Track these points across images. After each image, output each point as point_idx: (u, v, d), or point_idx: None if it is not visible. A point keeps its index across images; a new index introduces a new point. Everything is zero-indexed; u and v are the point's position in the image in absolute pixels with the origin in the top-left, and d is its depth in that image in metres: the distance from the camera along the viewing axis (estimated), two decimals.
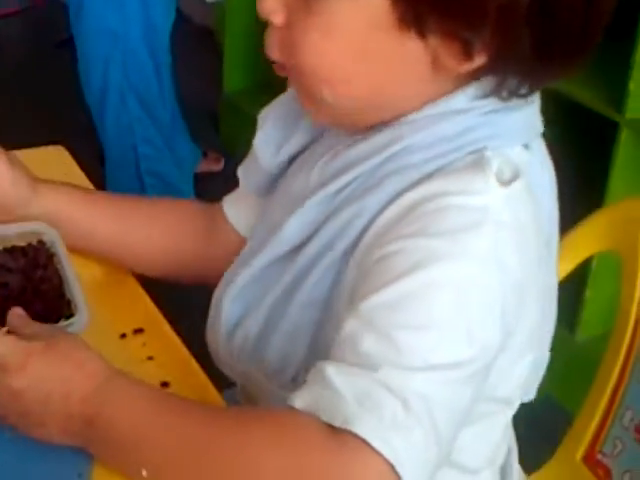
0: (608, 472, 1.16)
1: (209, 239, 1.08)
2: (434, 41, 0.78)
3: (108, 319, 1.01)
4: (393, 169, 0.83)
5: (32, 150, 1.29)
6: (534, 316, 0.86)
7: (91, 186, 1.23)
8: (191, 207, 1.12)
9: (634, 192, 1.87)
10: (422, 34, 0.78)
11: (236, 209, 1.06)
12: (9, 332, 0.83)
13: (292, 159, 0.97)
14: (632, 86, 1.85)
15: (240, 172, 1.05)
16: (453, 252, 0.76)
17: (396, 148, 0.83)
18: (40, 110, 2.97)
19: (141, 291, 1.06)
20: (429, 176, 0.81)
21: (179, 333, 1.01)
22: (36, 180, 1.05)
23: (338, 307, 0.84)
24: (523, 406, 0.95)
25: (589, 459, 1.18)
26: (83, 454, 0.81)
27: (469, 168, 0.80)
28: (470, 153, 0.81)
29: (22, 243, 1.00)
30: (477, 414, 0.83)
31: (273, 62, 0.85)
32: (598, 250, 1.23)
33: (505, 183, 0.79)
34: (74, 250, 1.04)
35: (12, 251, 0.99)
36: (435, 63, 0.79)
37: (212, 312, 0.97)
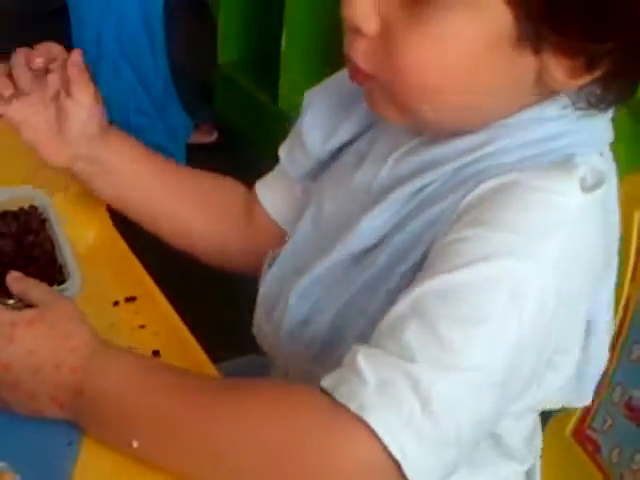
0: (597, 447, 1.16)
1: (249, 221, 1.05)
2: (547, 57, 0.74)
3: (100, 286, 1.01)
4: (480, 169, 0.79)
5: None
6: (578, 334, 0.84)
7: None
8: (234, 187, 1.07)
9: (630, 168, 1.87)
10: (538, 50, 0.74)
11: (271, 194, 1.02)
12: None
13: (342, 146, 0.94)
14: None
15: (283, 156, 1.00)
16: (523, 252, 0.73)
17: (488, 150, 0.79)
18: None
19: (134, 258, 1.06)
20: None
21: (172, 302, 1.00)
22: (107, 125, 1.02)
23: None
24: None
25: (578, 434, 1.18)
26: (74, 422, 0.80)
27: (553, 167, 0.77)
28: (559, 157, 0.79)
29: (14, 208, 1.00)
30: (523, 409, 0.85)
31: (352, 69, 0.80)
32: None
33: (587, 190, 0.76)
34: (111, 203, 1.03)
35: (4, 216, 0.98)
36: (540, 77, 0.76)
37: (268, 302, 0.94)
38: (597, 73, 0.74)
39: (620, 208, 1.11)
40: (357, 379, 0.72)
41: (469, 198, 0.77)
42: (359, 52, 0.78)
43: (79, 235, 1.06)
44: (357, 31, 0.76)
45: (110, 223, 1.11)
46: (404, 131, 0.85)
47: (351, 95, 0.91)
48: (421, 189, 0.82)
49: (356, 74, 0.80)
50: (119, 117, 2.41)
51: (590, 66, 0.74)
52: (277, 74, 2.66)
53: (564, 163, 0.77)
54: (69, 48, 2.58)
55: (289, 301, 0.89)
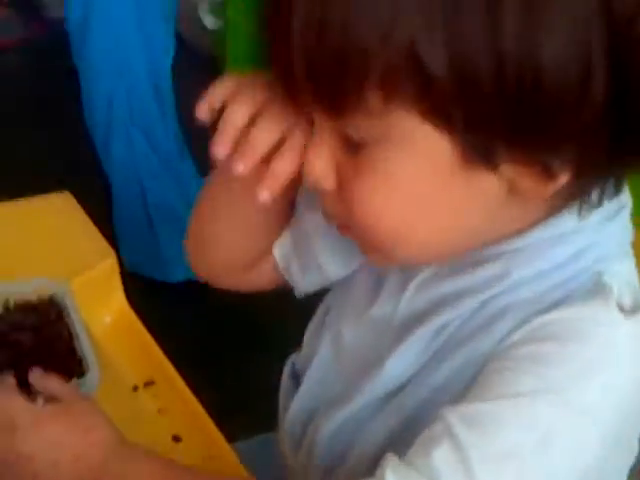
0: None
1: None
2: (507, 170, 0.70)
3: (119, 372, 1.02)
4: (505, 305, 0.75)
5: (39, 198, 1.30)
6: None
7: (96, 231, 1.23)
8: None
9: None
10: (493, 167, 0.69)
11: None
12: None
13: None
14: None
15: (297, 279, 0.94)
16: (563, 394, 0.70)
17: (506, 283, 0.75)
18: (44, 143, 2.98)
19: (151, 342, 1.07)
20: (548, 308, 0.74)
21: (188, 383, 1.02)
22: None
23: None
24: None
25: None
26: None
27: (588, 296, 0.73)
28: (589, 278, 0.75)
29: (32, 298, 1.01)
30: None
31: (327, 219, 0.79)
32: None
33: (628, 313, 0.73)
34: None
35: (23, 308, 1.00)
36: (513, 190, 0.71)
37: (294, 434, 0.91)
38: (564, 174, 0.69)
39: None
40: None
41: (507, 343, 0.74)
42: (327, 206, 0.77)
43: (96, 319, 1.07)
44: (320, 189, 0.75)
45: (127, 306, 1.12)
46: None
47: None
48: (443, 327, 0.78)
49: (338, 226, 0.79)
50: (131, 180, 2.43)
51: (551, 170, 0.69)
52: None
53: (597, 290, 0.73)
54: (79, 110, 2.56)
55: (316, 448, 0.86)
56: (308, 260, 0.93)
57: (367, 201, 0.72)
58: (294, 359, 0.97)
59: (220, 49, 2.97)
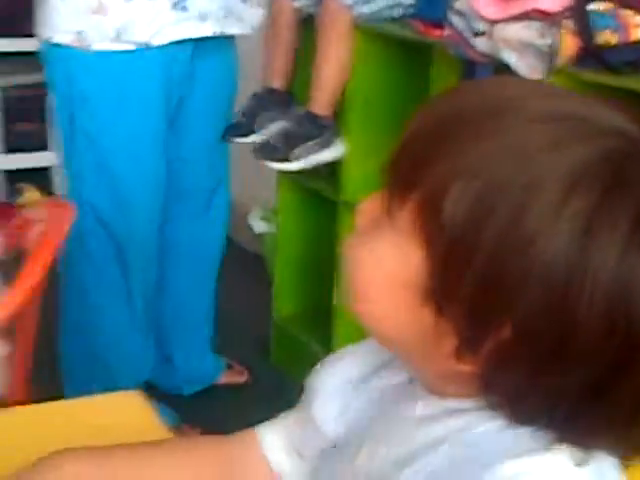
0: None
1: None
2: (444, 327, 0.75)
3: None
4: (477, 454, 0.78)
5: (108, 395, 1.37)
6: None
7: (166, 431, 1.28)
8: (210, 450, 1.07)
9: None
10: (438, 316, 0.75)
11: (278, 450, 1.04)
12: None
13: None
14: None
15: (297, 440, 1.02)
16: None
17: (477, 430, 0.78)
18: None
19: None
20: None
21: None
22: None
23: None
24: None
25: None
26: None
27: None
28: None
29: None
30: None
31: None
32: None
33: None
34: None
35: None
36: (438, 349, 0.77)
37: None
38: (479, 363, 0.74)
39: None
40: None
41: None
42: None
43: None
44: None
45: None
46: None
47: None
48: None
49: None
50: None
51: (474, 350, 0.74)
52: (330, 328, 2.74)
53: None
54: None
55: None
56: (305, 427, 0.99)
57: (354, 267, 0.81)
58: None
59: (268, 251, 3.08)
